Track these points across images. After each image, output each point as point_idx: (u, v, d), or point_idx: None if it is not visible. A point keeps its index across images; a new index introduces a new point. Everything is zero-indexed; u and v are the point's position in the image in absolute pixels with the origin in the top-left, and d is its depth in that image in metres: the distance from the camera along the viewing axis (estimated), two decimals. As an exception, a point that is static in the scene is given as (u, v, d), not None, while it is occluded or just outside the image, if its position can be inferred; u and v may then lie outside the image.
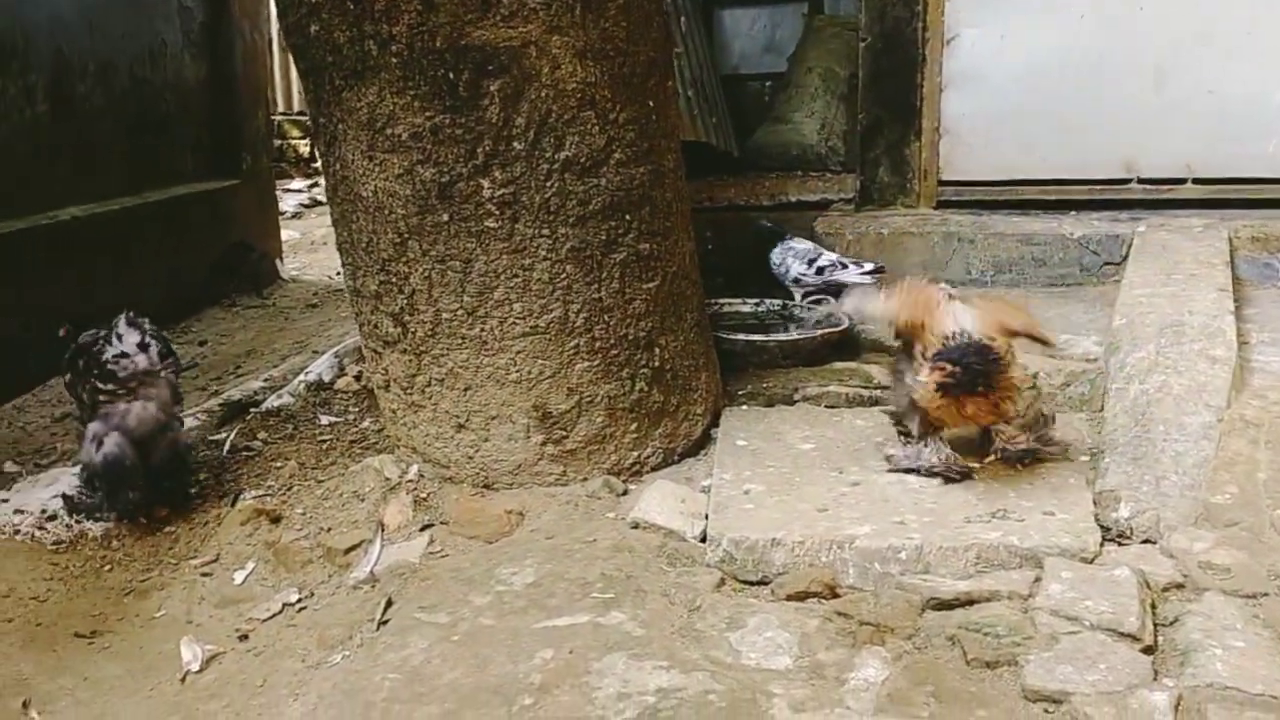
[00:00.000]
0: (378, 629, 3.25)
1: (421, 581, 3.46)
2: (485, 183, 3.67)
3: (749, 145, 7.57)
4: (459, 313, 3.81)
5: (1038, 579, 3.09)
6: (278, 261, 9.27)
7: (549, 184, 3.70)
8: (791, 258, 5.68)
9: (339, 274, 9.58)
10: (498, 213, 3.70)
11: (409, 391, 4.03)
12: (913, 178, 6.38)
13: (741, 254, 6.05)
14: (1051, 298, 5.52)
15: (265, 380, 5.85)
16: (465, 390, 3.91)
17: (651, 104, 3.91)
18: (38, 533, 4.07)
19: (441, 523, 3.85)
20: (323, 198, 12.23)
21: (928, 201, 6.36)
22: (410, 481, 4.08)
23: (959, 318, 3.58)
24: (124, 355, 3.95)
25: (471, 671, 2.90)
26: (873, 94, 6.39)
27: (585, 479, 3.97)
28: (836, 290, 5.44)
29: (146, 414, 4.07)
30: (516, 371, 3.86)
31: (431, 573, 3.51)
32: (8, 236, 6.07)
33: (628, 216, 3.85)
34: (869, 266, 5.53)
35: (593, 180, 3.74)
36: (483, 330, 3.82)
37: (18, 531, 4.07)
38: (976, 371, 3.41)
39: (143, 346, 3.98)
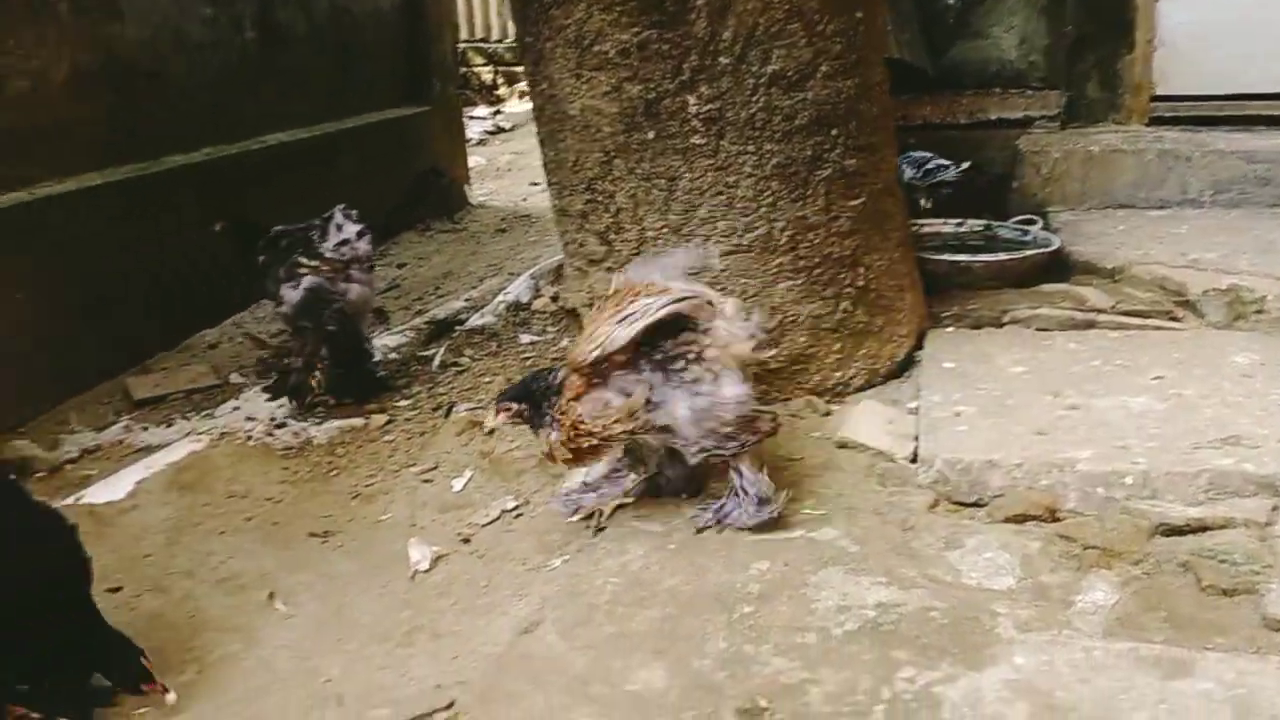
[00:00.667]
0: (594, 536, 3.34)
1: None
2: (691, 99, 3.66)
3: (942, 62, 7.29)
4: (664, 230, 3.83)
5: (1275, 507, 2.96)
6: (466, 187, 9.49)
7: (755, 99, 3.66)
8: (906, 164, 5.72)
9: (525, 199, 9.88)
10: (703, 129, 3.68)
11: (614, 309, 4.08)
12: (1124, 92, 6.06)
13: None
14: (1278, 219, 5.20)
15: (466, 300, 6.03)
16: (669, 307, 3.93)
17: (859, 14, 3.81)
18: (268, 439, 4.33)
19: (646, 436, 3.91)
20: (506, 124, 12.44)
21: (1140, 118, 6.04)
22: (616, 396, 4.15)
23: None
24: (345, 242, 4.40)
25: (690, 579, 2.96)
26: (1082, 5, 6.07)
27: (787, 399, 3.96)
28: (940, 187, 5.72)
29: (364, 293, 4.55)
30: (720, 290, 3.85)
31: (642, 485, 3.58)
32: (221, 160, 6.37)
33: (834, 131, 3.78)
34: (965, 165, 5.72)
35: (799, 94, 3.69)
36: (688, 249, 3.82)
37: (250, 437, 4.33)
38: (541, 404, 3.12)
39: (360, 235, 4.46)
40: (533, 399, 3.15)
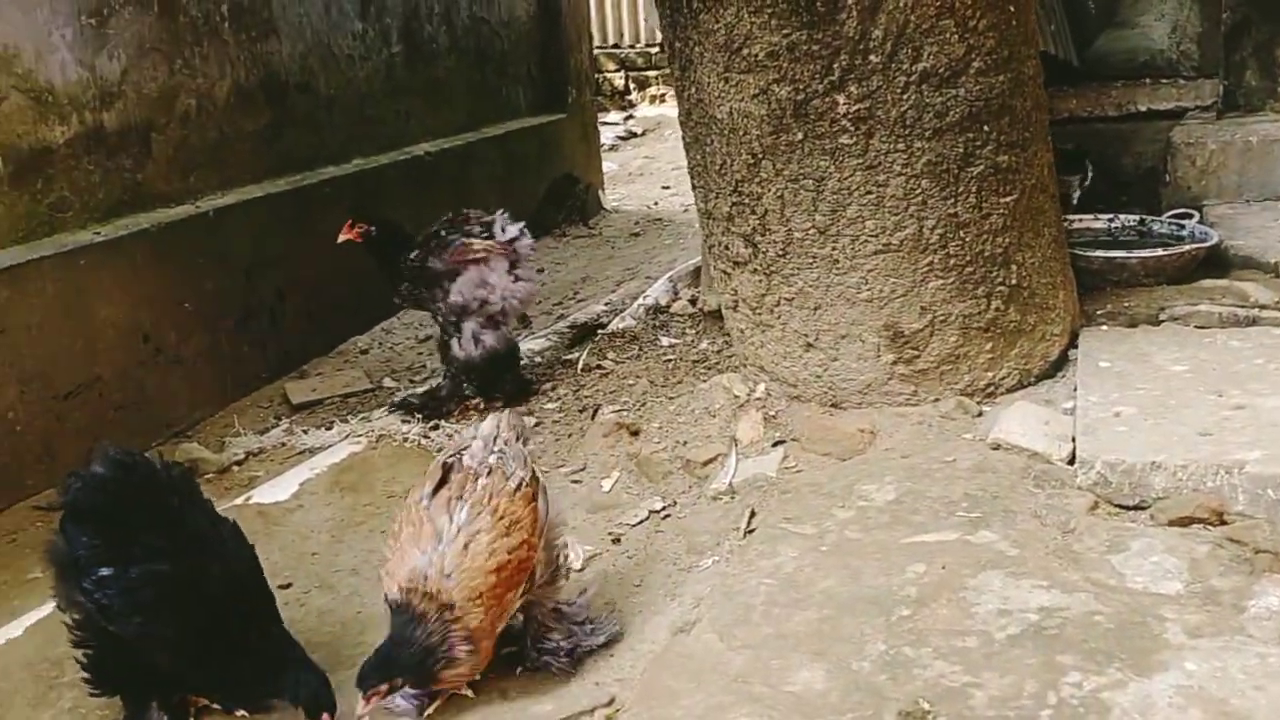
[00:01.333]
0: (744, 537, 3.36)
1: (781, 494, 3.54)
2: (840, 99, 3.65)
3: (1089, 53, 7.10)
4: (810, 231, 3.82)
5: None
6: (600, 192, 9.60)
7: (905, 97, 3.63)
8: None
9: (657, 204, 9.95)
10: (852, 129, 3.67)
11: (758, 311, 4.10)
12: (1286, 80, 5.82)
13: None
14: None
15: (606, 305, 6.11)
16: (815, 309, 3.93)
17: (1011, 8, 3.74)
18: (423, 440, 4.47)
19: (793, 439, 3.92)
20: (637, 129, 12.54)
21: (1303, 105, 5.79)
22: (758, 399, 4.17)
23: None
24: (512, 240, 4.61)
25: (845, 581, 2.95)
26: (1240, -11, 5.85)
27: (937, 399, 3.92)
28: None
29: (531, 290, 4.80)
30: (867, 290, 3.84)
31: (790, 486, 3.59)
32: (370, 171, 6.58)
33: (986, 127, 3.72)
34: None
35: (950, 91, 3.64)
36: (834, 249, 3.82)
37: (406, 439, 4.48)
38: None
39: (523, 233, 4.65)
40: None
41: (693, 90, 3.92)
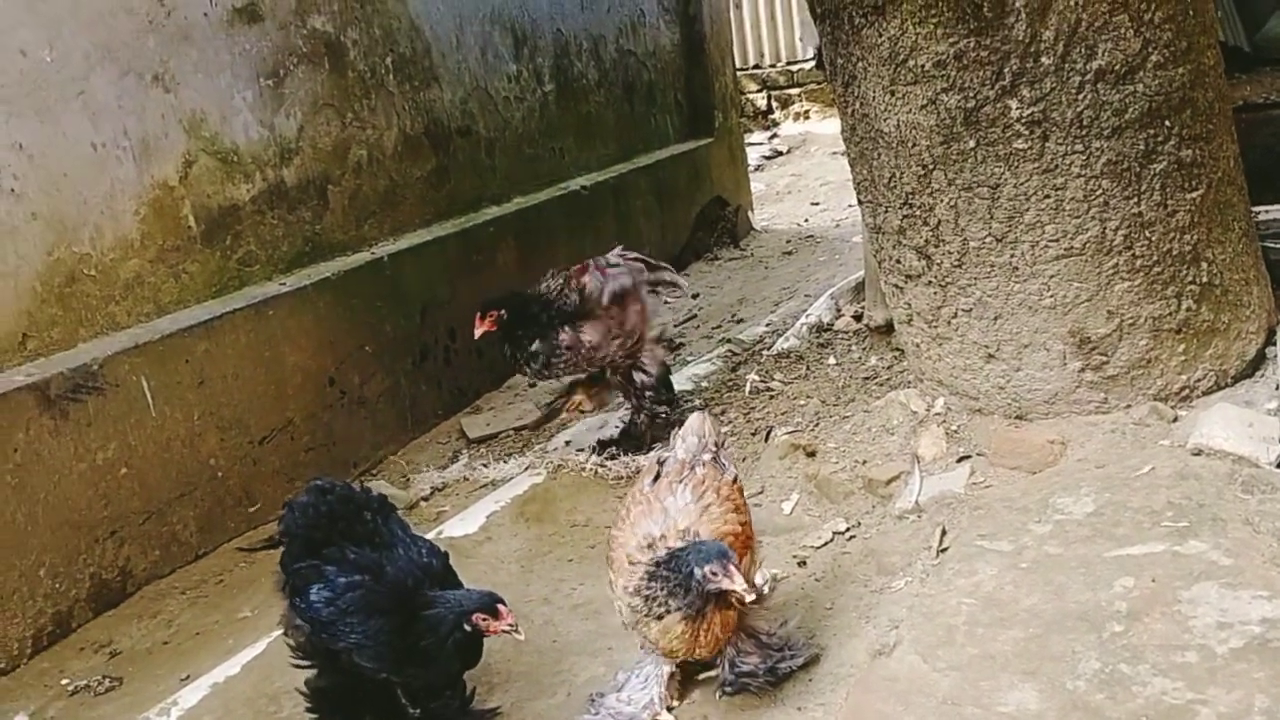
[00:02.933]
0: (937, 556, 3.30)
1: (973, 511, 3.46)
2: (1013, 103, 3.57)
3: (1259, 37, 6.79)
4: (987, 240, 3.74)
5: None
6: (749, 213, 9.59)
7: (1081, 97, 3.53)
8: None
9: (807, 221, 9.89)
10: (1026, 133, 3.58)
11: (933, 324, 4.03)
12: None
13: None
14: None
15: (767, 325, 6.10)
16: (994, 319, 3.85)
17: (1188, -1, 3.61)
18: (600, 470, 4.52)
19: (978, 454, 3.83)
20: (782, 148, 12.50)
21: None
22: (937, 414, 4.09)
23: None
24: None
25: (1049, 598, 2.87)
26: None
27: (1129, 406, 3.78)
28: None
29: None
30: (1050, 296, 3.74)
31: (981, 502, 3.51)
32: (531, 209, 6.73)
33: (1167, 123, 3.59)
34: None
35: (1128, 87, 3.53)
36: (1013, 256, 3.73)
37: (583, 469, 4.54)
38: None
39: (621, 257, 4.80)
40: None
41: (857, 105, 3.89)
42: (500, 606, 2.81)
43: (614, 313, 4.60)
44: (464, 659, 2.88)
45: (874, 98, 3.78)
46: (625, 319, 4.62)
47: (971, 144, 3.63)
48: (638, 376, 4.69)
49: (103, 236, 4.31)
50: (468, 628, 2.78)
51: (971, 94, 3.57)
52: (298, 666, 2.91)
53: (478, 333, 4.58)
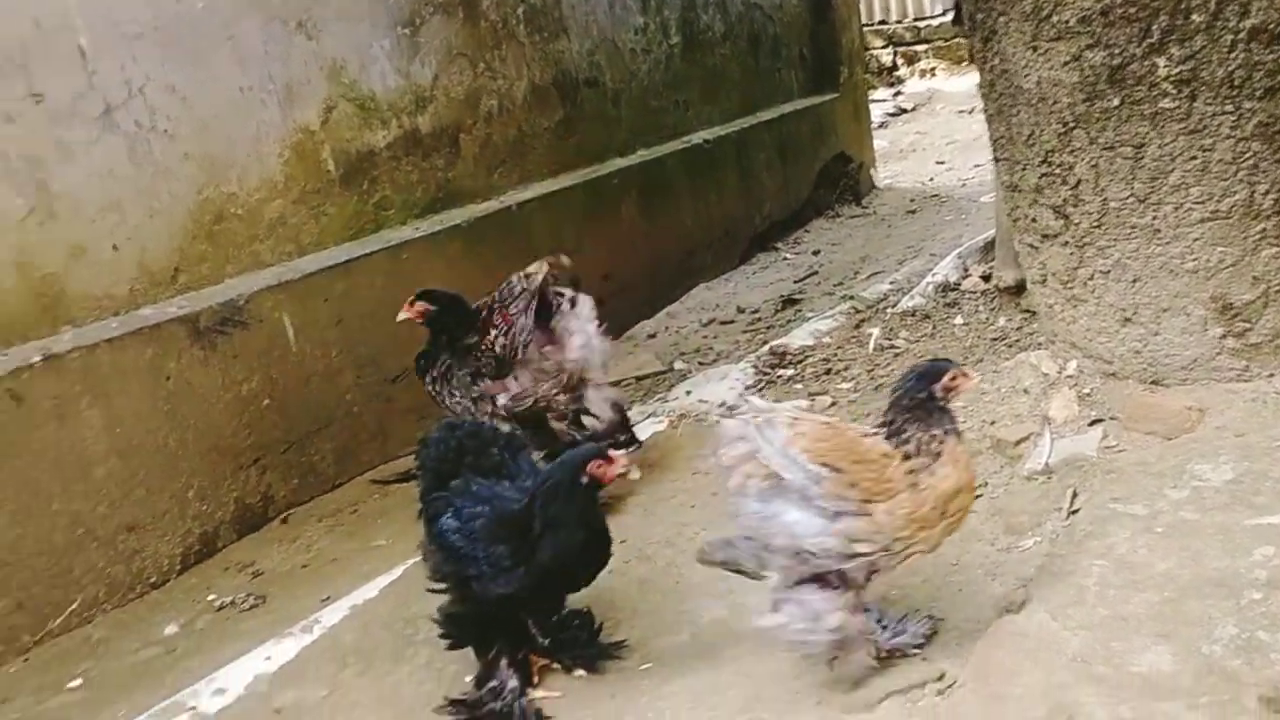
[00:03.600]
0: (1068, 518, 3.27)
1: (1105, 474, 3.42)
2: (1160, 61, 3.47)
3: None
4: (1128, 201, 3.66)
5: None
6: (872, 170, 9.49)
7: (1233, 56, 3.41)
8: None
9: (931, 180, 9.74)
10: (1174, 92, 3.48)
11: (1069, 285, 3.96)
12: None
13: None
14: None
15: (891, 283, 6.06)
16: (1133, 282, 3.77)
17: (1354, -49, 3.46)
18: (721, 420, 4.55)
19: (1111, 418, 3.77)
20: (907, 105, 12.29)
21: None
22: (1069, 377, 4.03)
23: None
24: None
25: (1185, 563, 2.83)
26: None
27: (1271, 375, 3.67)
28: None
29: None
30: (1193, 260, 3.64)
31: (1114, 466, 3.46)
32: (654, 162, 6.77)
33: (1324, 84, 3.46)
34: None
35: (1284, 47, 3.40)
36: (1155, 218, 3.64)
37: (704, 418, 4.59)
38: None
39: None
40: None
41: (996, 61, 3.82)
42: (611, 452, 2.86)
43: (545, 353, 3.99)
44: (595, 538, 2.94)
45: (1015, 54, 3.71)
46: (560, 358, 4.00)
47: (1115, 102, 3.55)
48: (589, 423, 4.12)
49: (249, 177, 4.48)
50: (584, 479, 2.84)
51: (1117, 51, 3.48)
52: (433, 591, 3.03)
53: (400, 316, 4.04)
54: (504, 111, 5.67)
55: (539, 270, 4.00)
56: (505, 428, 3.61)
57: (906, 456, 2.68)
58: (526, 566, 2.85)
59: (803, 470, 2.67)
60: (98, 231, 3.99)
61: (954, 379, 2.72)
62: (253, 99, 4.47)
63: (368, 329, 4.75)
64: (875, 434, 2.78)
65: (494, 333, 3.95)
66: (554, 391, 4.01)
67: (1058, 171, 3.78)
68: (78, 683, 3.61)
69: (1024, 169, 3.92)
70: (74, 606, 3.86)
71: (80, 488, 3.85)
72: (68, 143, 3.90)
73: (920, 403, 2.71)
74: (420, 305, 4.02)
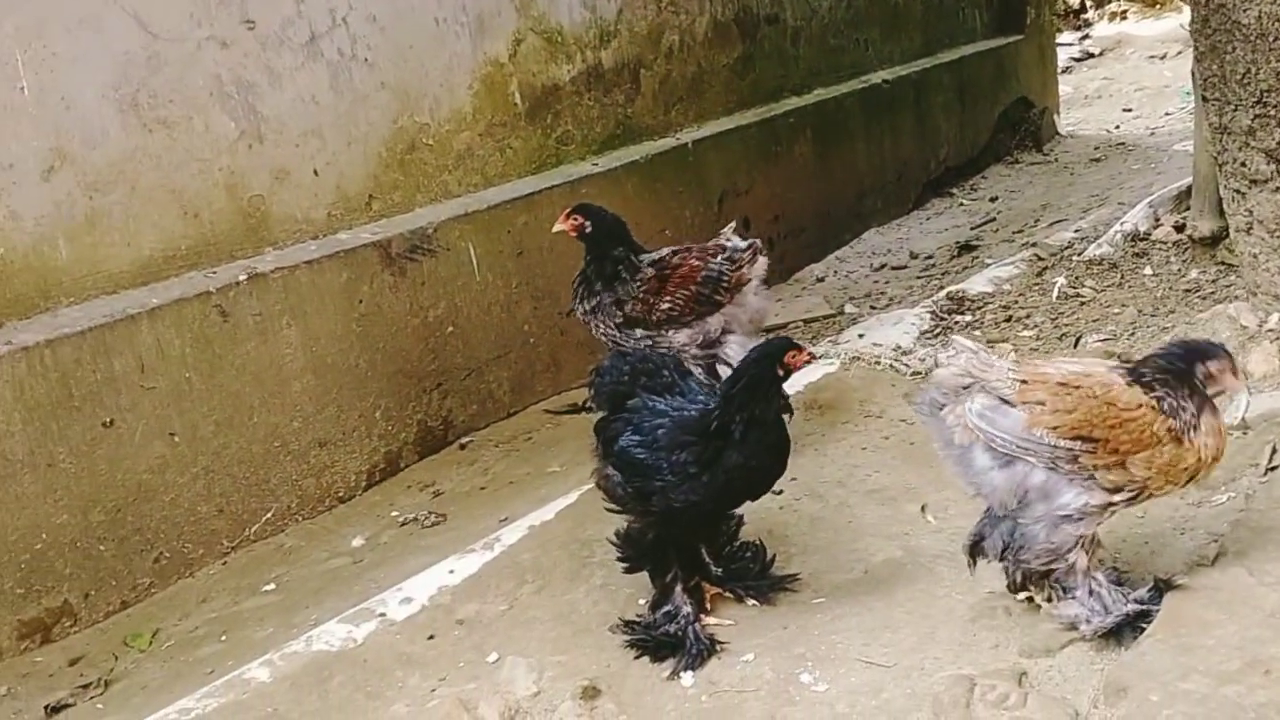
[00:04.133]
0: (1265, 474, 3.14)
1: (1308, 431, 3.27)
2: (1398, -6, 3.24)
3: None
4: (1352, 145, 3.45)
5: None
6: (1055, 116, 9.14)
7: None
8: None
9: (1118, 127, 9.32)
10: None
11: (1276, 234, 3.77)
12: None
13: None
14: None
15: (1075, 231, 5.85)
16: (1351, 232, 3.56)
17: None
18: (895, 364, 4.51)
19: (1315, 374, 3.59)
20: (1094, 49, 11.78)
21: None
22: (1271, 330, 3.84)
23: None
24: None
25: (1398, 525, 2.70)
26: None
27: None
28: None
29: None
30: None
31: (1318, 423, 3.30)
32: (830, 101, 6.67)
33: None
34: None
35: None
36: (1379, 163, 3.43)
37: (878, 361, 4.54)
38: None
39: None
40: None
41: (1213, -6, 3.63)
42: (796, 340, 2.95)
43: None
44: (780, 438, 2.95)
45: (1237, -15, 3.52)
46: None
47: (1346, 38, 3.34)
48: (723, 371, 3.96)
49: (440, 108, 4.60)
50: (780, 371, 2.89)
51: (1353, -19, 3.27)
52: (611, 511, 3.10)
53: (555, 226, 3.98)
54: (684, 48, 5.66)
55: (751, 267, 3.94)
56: None
57: (1164, 413, 2.54)
58: (711, 472, 2.89)
59: (1050, 451, 2.57)
60: (300, 156, 4.17)
61: (1222, 369, 2.57)
62: (446, 30, 4.58)
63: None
64: (1120, 375, 2.62)
65: (666, 302, 3.88)
66: (689, 348, 3.92)
67: (1273, 113, 3.59)
68: (271, 587, 3.83)
69: (1236, 109, 3.73)
70: (269, 515, 4.09)
71: (278, 402, 4.06)
72: (276, 69, 4.08)
73: (1180, 372, 2.58)
74: (575, 219, 3.93)
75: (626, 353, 3.30)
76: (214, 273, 3.96)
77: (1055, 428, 2.56)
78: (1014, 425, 2.60)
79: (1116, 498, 2.59)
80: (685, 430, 2.96)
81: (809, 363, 2.93)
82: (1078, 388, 2.60)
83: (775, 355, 2.90)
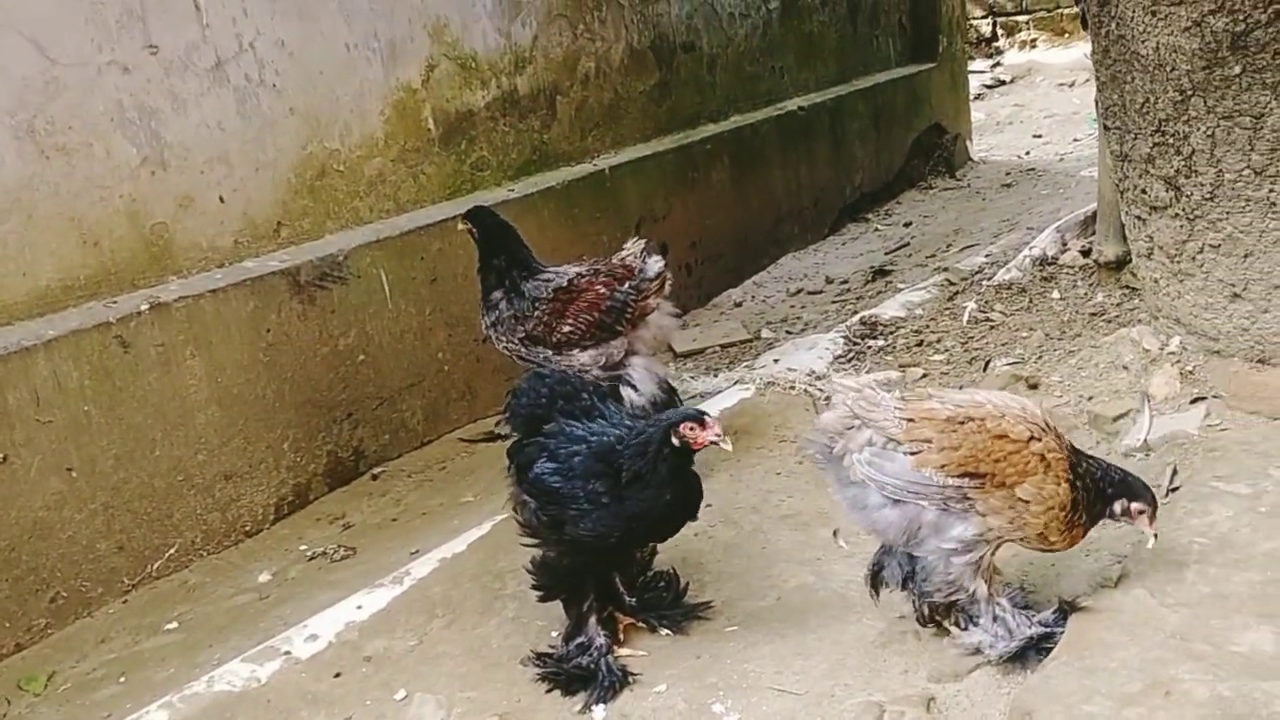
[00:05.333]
0: (1167, 496, 3.20)
1: (1207, 452, 3.34)
2: (1286, 28, 3.35)
3: None
4: (1244, 172, 3.54)
5: None
6: (968, 143, 9.31)
7: (1363, 22, 3.28)
8: None
9: (1028, 153, 9.53)
10: (1298, 60, 3.36)
11: (1176, 259, 3.86)
12: None
13: None
14: None
15: (986, 256, 5.95)
16: (1244, 257, 3.65)
17: None
18: (809, 388, 4.54)
19: (1214, 396, 3.67)
20: (1005, 77, 12.04)
21: None
22: (1172, 353, 3.93)
23: None
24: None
25: (1291, 544, 2.76)
26: None
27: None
28: None
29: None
30: None
31: (1216, 444, 3.37)
32: (747, 128, 6.72)
33: None
34: None
35: None
36: (1271, 191, 3.53)
37: (792, 386, 4.57)
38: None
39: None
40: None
41: (1112, 26, 3.72)
42: (706, 418, 2.82)
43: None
44: (683, 492, 2.90)
45: (1133, 18, 3.60)
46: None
47: (1237, 70, 3.43)
48: (626, 393, 3.89)
49: (351, 134, 4.54)
50: (675, 441, 2.80)
51: (1241, 17, 3.36)
52: (525, 545, 3.06)
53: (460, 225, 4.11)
54: (601, 74, 5.67)
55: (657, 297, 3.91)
56: None
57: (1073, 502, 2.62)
58: (623, 505, 2.86)
59: (940, 491, 2.61)
60: (206, 183, 4.08)
61: (1140, 512, 2.66)
62: (357, 55, 4.53)
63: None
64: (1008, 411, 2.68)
65: (568, 325, 3.86)
66: (590, 369, 3.87)
67: (1171, 141, 3.68)
68: (173, 625, 3.72)
69: (1136, 138, 3.82)
70: (172, 551, 3.97)
71: (182, 434, 3.96)
72: (180, 94, 3.99)
73: (1107, 496, 2.68)
74: (465, 224, 4.08)
75: (545, 374, 3.24)
76: (114, 303, 3.85)
77: (943, 466, 2.59)
78: (901, 469, 2.63)
79: (1000, 525, 2.62)
80: (601, 459, 2.93)
81: (706, 446, 2.83)
82: (964, 422, 2.63)
83: (668, 425, 2.83)
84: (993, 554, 2.72)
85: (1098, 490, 2.64)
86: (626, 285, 3.88)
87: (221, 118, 4.11)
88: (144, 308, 3.86)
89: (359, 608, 3.34)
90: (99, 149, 3.82)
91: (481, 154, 5.08)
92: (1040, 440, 2.60)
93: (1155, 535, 2.68)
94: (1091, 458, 2.72)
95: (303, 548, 4.10)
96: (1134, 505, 2.64)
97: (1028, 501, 2.58)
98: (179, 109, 4.00)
